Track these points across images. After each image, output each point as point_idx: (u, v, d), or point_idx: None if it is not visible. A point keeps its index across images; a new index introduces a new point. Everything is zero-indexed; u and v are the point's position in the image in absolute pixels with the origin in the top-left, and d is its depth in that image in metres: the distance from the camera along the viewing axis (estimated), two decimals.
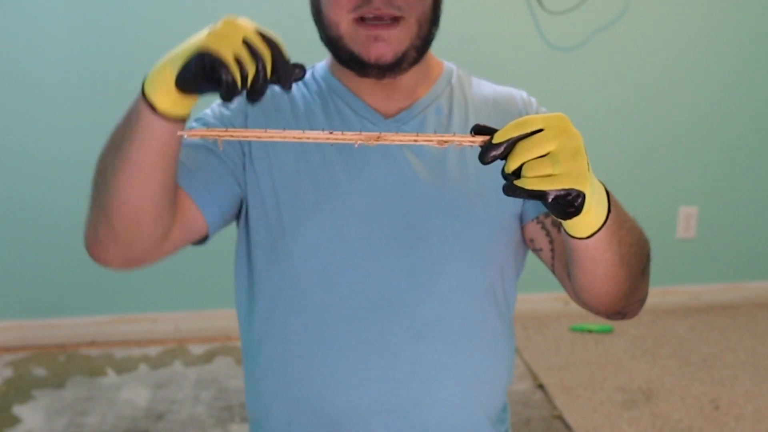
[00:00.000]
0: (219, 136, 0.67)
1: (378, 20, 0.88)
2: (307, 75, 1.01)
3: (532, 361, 2.48)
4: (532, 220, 0.96)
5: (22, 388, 2.31)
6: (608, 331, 2.71)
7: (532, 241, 0.97)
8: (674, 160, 2.81)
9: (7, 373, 2.42)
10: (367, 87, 0.97)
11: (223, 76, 0.67)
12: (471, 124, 0.95)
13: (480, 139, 0.67)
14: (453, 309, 0.95)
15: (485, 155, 0.65)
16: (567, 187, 0.64)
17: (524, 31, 2.61)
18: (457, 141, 0.67)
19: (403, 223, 0.93)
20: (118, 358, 2.50)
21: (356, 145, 0.68)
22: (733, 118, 2.81)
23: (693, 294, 2.95)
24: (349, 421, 0.94)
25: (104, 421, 2.14)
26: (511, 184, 0.65)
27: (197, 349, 2.54)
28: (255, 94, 0.69)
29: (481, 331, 0.98)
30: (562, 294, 2.85)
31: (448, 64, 1.05)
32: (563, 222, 0.71)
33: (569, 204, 0.66)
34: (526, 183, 0.64)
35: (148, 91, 0.75)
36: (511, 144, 0.64)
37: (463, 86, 1.02)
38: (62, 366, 2.47)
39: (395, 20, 0.89)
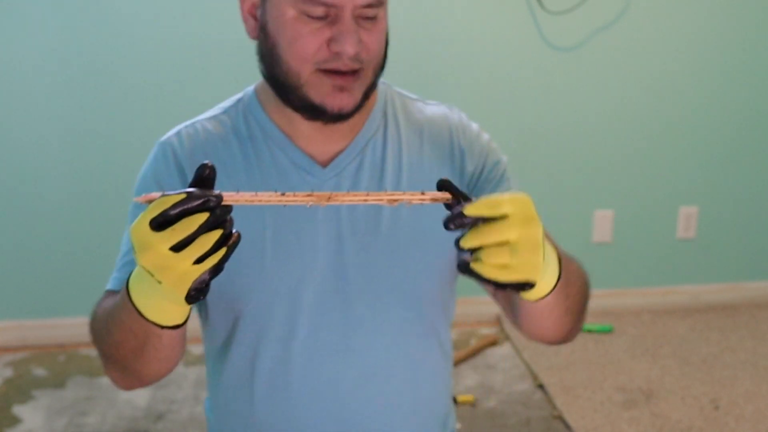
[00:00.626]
0: (173, 200, 0.63)
1: (343, 72, 0.87)
2: (238, 112, 0.99)
3: (532, 361, 2.47)
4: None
5: (22, 388, 2.31)
6: (608, 331, 2.71)
7: None
8: (674, 160, 2.81)
9: (7, 373, 2.42)
10: (305, 131, 0.95)
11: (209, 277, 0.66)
12: (405, 163, 0.97)
13: (429, 197, 0.67)
14: (399, 351, 0.98)
15: (450, 223, 0.65)
16: (521, 280, 0.67)
17: (524, 31, 2.60)
18: (407, 199, 0.67)
19: (345, 277, 0.94)
20: None
21: (308, 206, 0.68)
22: (733, 118, 2.81)
23: (693, 294, 2.95)
24: None
25: (104, 421, 2.14)
26: (467, 266, 0.66)
27: (197, 349, 2.54)
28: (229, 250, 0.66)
29: (425, 367, 1.02)
30: None
31: (382, 89, 1.01)
32: None
33: (519, 289, 0.68)
34: (482, 269, 0.65)
35: (153, 317, 0.72)
36: (475, 220, 0.65)
37: (396, 117, 1.01)
38: (62, 366, 2.47)
39: (355, 72, 0.88)
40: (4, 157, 2.48)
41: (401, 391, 1.00)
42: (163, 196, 0.62)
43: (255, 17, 0.91)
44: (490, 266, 0.65)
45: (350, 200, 0.67)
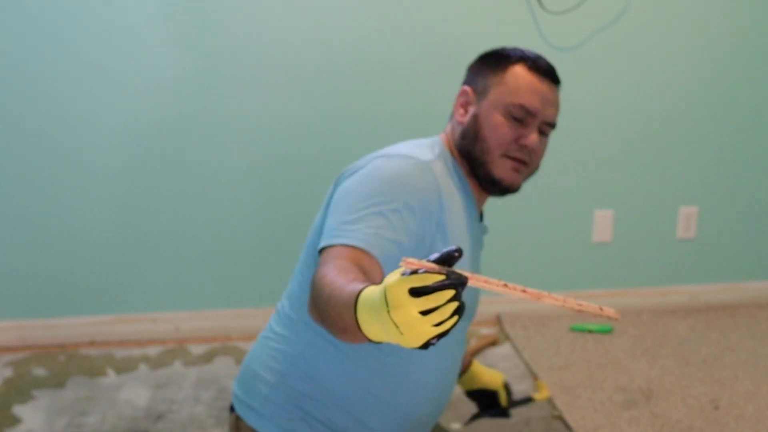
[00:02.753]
0: (432, 272, 0.73)
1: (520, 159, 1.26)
2: (446, 160, 1.28)
3: (532, 361, 2.47)
4: None
5: (22, 388, 2.31)
6: (608, 331, 2.71)
7: None
8: (674, 160, 2.81)
9: (7, 373, 2.42)
10: (477, 190, 1.32)
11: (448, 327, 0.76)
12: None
13: (606, 314, 0.80)
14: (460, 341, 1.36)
15: None
16: None
17: (524, 31, 2.60)
18: (585, 310, 0.79)
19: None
20: (118, 358, 2.50)
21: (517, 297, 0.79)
22: (733, 118, 2.81)
23: (693, 294, 2.95)
24: (425, 422, 1.32)
25: (104, 421, 2.14)
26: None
27: (197, 349, 2.54)
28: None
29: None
30: (562, 294, 2.85)
31: None
32: None
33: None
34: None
35: (370, 336, 0.81)
36: None
37: None
38: (62, 366, 2.46)
39: (526, 163, 1.27)
40: (4, 157, 2.48)
41: (462, 352, 1.38)
42: (425, 272, 0.72)
43: (465, 109, 1.31)
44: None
45: (552, 302, 0.77)
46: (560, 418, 2.16)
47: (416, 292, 0.71)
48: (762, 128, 2.85)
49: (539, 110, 1.25)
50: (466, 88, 1.33)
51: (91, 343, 2.61)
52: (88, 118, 2.48)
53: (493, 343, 2.62)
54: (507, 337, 2.67)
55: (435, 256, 0.73)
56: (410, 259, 0.73)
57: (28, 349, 2.59)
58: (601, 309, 0.77)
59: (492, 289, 0.75)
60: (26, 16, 2.36)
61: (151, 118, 2.48)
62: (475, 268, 1.33)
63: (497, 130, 1.24)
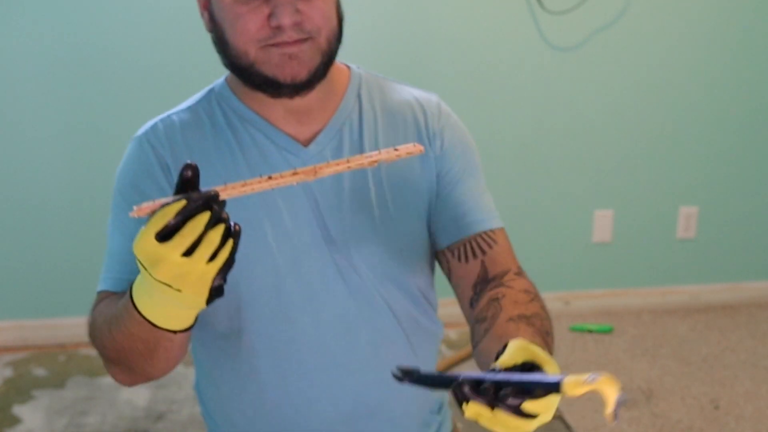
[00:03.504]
0: (168, 203, 0.64)
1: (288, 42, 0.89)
2: (211, 101, 1.00)
3: None
4: (439, 250, 1.01)
5: (22, 388, 2.31)
6: (608, 331, 2.71)
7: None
8: (674, 160, 2.81)
9: (7, 373, 2.42)
10: (279, 113, 0.96)
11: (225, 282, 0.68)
12: (381, 142, 1.00)
13: (403, 151, 0.69)
14: (398, 319, 1.01)
15: (513, 397, 0.61)
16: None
17: (524, 31, 2.60)
18: (384, 158, 0.69)
19: (336, 254, 0.96)
20: None
21: (295, 185, 0.69)
22: (732, 118, 2.81)
23: (693, 294, 2.95)
24: None
25: (104, 421, 2.14)
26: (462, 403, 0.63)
27: None
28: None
29: (422, 332, 1.05)
30: (562, 294, 2.86)
31: (355, 71, 1.04)
32: None
33: None
34: (473, 415, 0.62)
35: (166, 325, 0.73)
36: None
37: (372, 97, 1.03)
38: (62, 366, 2.46)
39: (305, 39, 0.89)
40: (4, 157, 2.48)
41: (407, 356, 1.02)
42: (162, 207, 0.62)
43: (208, 11, 0.93)
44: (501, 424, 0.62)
45: (335, 170, 0.68)
46: (560, 418, 2.16)
47: (164, 236, 0.62)
48: (762, 128, 2.85)
49: None
50: None
51: (92, 346, 2.61)
52: (89, 117, 2.48)
53: None
54: None
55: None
56: (143, 206, 0.64)
57: (28, 349, 2.58)
58: (396, 149, 0.69)
59: (259, 189, 0.66)
60: None
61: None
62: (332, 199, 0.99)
63: (236, 25, 0.88)
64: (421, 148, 0.70)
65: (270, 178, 0.66)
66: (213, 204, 0.63)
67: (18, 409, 2.19)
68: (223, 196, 0.64)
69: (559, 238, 2.82)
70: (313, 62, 0.90)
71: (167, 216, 0.62)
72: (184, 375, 2.39)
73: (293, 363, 0.98)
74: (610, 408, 0.60)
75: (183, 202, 0.62)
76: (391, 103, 1.03)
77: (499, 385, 0.61)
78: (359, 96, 1.02)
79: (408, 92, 1.05)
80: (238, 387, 1.01)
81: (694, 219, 2.88)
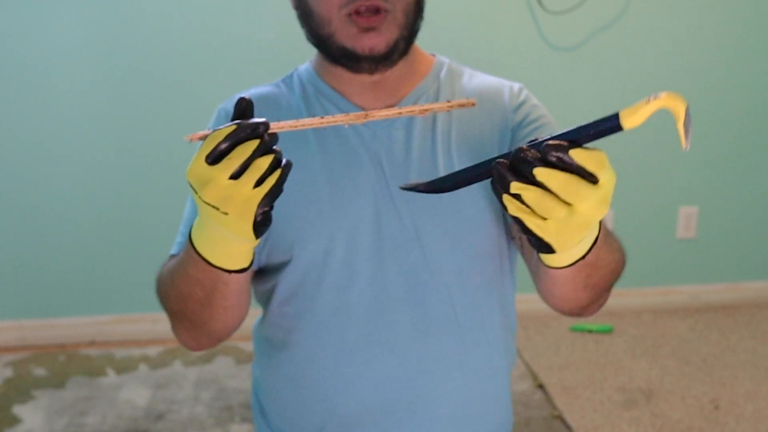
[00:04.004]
0: (224, 133, 0.67)
1: (368, 12, 0.90)
2: (293, 79, 1.03)
3: (532, 361, 2.47)
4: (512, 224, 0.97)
5: (22, 388, 2.31)
6: (608, 331, 2.71)
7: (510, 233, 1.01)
8: (674, 160, 2.81)
9: (7, 373, 2.42)
10: (355, 87, 0.97)
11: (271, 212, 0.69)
12: (455, 118, 0.98)
13: (455, 103, 0.69)
14: (454, 305, 0.96)
15: (549, 154, 0.59)
16: (547, 242, 0.62)
17: (524, 31, 2.61)
18: (436, 108, 0.69)
19: (399, 225, 0.94)
20: (118, 358, 2.50)
21: (347, 126, 0.71)
22: (732, 118, 2.81)
23: (693, 294, 2.95)
24: (361, 422, 0.97)
25: (104, 421, 2.14)
26: (503, 195, 0.61)
27: (196, 351, 2.54)
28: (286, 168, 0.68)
29: (483, 323, 0.99)
30: None
31: (441, 59, 1.06)
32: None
33: (538, 246, 0.63)
34: (519, 209, 0.60)
35: (220, 263, 0.74)
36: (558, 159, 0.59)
37: (452, 81, 1.02)
38: (62, 366, 2.46)
39: (384, 12, 0.90)
40: (5, 157, 2.48)
41: (458, 347, 0.97)
42: (212, 131, 0.65)
43: None
44: (530, 212, 0.60)
45: (386, 115, 0.69)
46: (560, 418, 2.16)
47: (213, 159, 0.64)
48: (762, 128, 2.85)
49: None
50: None
51: (91, 343, 2.61)
52: (87, 115, 2.48)
53: None
54: None
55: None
56: (196, 133, 0.67)
57: (28, 349, 2.59)
58: (449, 102, 0.68)
59: (310, 125, 0.67)
60: None
61: (148, 116, 2.48)
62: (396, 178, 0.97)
63: None
64: (473, 101, 0.69)
65: (322, 118, 0.68)
66: (263, 134, 0.64)
67: (18, 409, 2.19)
68: (273, 129, 0.65)
69: None
70: (392, 35, 0.91)
71: (217, 139, 0.64)
72: (184, 375, 2.39)
73: (337, 335, 0.96)
74: (680, 122, 0.57)
75: (233, 127, 0.64)
76: (473, 86, 1.03)
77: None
78: (439, 77, 1.02)
79: (493, 78, 1.06)
80: (285, 355, 1.00)
81: (694, 219, 2.88)
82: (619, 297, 2.90)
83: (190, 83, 2.48)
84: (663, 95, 0.55)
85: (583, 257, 0.70)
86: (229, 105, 1.00)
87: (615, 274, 0.86)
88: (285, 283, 0.97)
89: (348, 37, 0.90)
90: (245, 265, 0.75)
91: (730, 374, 2.41)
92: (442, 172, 0.94)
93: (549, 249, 0.63)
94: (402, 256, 0.94)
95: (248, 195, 0.65)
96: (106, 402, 2.24)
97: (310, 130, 0.96)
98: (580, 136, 0.58)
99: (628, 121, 0.59)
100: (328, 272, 0.94)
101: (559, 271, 0.73)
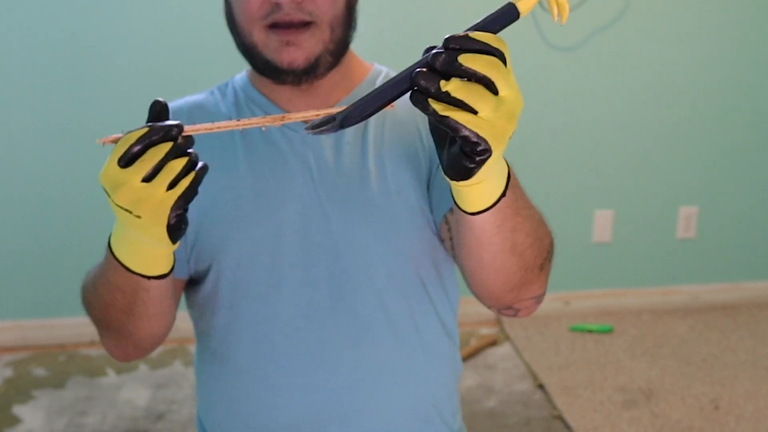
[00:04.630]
0: (136, 136, 0.65)
1: (289, 26, 0.88)
2: (228, 87, 1.02)
3: (532, 361, 2.47)
4: (440, 222, 0.94)
5: (22, 388, 2.31)
6: (608, 331, 2.71)
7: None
8: (674, 160, 2.81)
9: (7, 373, 2.42)
10: (285, 95, 0.96)
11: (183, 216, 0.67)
12: (387, 130, 0.95)
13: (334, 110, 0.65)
14: (388, 310, 0.94)
15: (454, 42, 0.58)
16: (485, 138, 0.58)
17: (524, 31, 2.60)
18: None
19: (328, 230, 0.92)
20: None
21: (263, 129, 0.69)
22: (732, 118, 2.81)
23: (693, 294, 2.95)
24: None
25: (104, 421, 2.14)
26: (425, 100, 0.58)
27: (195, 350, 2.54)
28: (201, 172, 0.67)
29: (419, 329, 0.96)
30: (562, 294, 2.86)
31: (379, 67, 1.03)
32: (453, 186, 0.66)
33: (471, 157, 0.60)
34: (445, 108, 0.57)
35: (139, 269, 0.73)
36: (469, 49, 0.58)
37: None
38: (62, 366, 2.46)
39: (306, 25, 0.88)
40: (4, 157, 2.48)
41: (392, 355, 0.94)
42: (125, 134, 0.64)
43: None
44: (459, 109, 0.57)
45: (303, 117, 0.67)
46: (560, 418, 2.16)
47: (126, 162, 0.63)
48: (762, 128, 2.85)
49: None
50: None
51: (91, 343, 2.61)
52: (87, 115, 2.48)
53: (493, 343, 2.62)
54: (507, 337, 2.67)
55: None
56: (109, 136, 0.66)
57: (28, 349, 2.59)
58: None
59: (226, 128, 0.66)
60: None
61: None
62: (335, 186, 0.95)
63: (241, 2, 0.90)
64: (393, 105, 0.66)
65: (239, 120, 0.67)
66: (177, 136, 0.63)
67: (18, 409, 2.19)
68: (187, 131, 0.65)
69: (559, 238, 2.79)
70: (313, 49, 0.89)
71: (129, 141, 0.63)
72: (184, 375, 2.39)
73: (266, 345, 0.93)
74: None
75: (145, 129, 0.63)
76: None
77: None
78: (375, 84, 0.99)
79: None
80: (216, 368, 0.98)
81: (694, 219, 2.88)
82: (619, 297, 2.90)
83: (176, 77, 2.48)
84: None
85: (504, 194, 0.68)
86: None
87: (541, 241, 0.82)
88: (211, 291, 0.95)
89: (269, 49, 0.90)
90: (165, 270, 0.74)
91: (730, 374, 2.41)
92: (373, 176, 0.92)
93: (485, 150, 0.59)
94: (331, 262, 0.92)
95: (161, 197, 0.64)
96: (106, 402, 2.24)
97: (238, 135, 0.95)
98: (485, 29, 0.60)
99: (523, 5, 0.62)
100: (253, 279, 0.93)
101: (485, 221, 0.71)
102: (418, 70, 0.59)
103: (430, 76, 0.59)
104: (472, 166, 0.60)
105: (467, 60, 0.58)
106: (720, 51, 2.74)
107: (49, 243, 2.56)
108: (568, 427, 2.11)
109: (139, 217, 0.65)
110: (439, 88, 0.58)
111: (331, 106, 0.93)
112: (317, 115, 0.65)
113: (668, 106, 2.76)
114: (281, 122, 0.67)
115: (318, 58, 0.90)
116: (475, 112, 0.58)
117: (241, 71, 1.05)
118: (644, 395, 2.28)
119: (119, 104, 2.48)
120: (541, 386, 2.33)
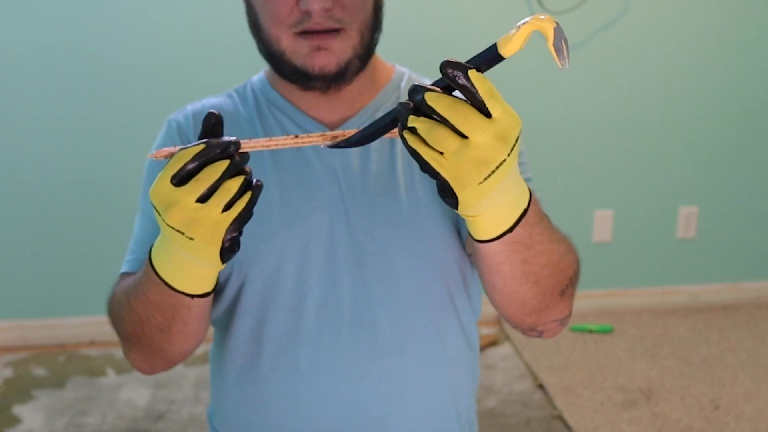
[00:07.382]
0: (192, 153, 0.63)
1: (320, 31, 0.87)
2: (246, 89, 1.00)
3: (532, 361, 2.48)
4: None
5: (22, 388, 2.31)
6: (608, 331, 2.71)
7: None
8: (674, 160, 2.81)
9: (7, 373, 2.42)
10: (309, 99, 0.94)
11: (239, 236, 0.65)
12: None
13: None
14: (413, 323, 0.93)
15: (448, 68, 0.59)
16: (444, 176, 0.59)
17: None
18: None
19: (354, 241, 0.90)
20: (118, 358, 2.50)
21: (322, 146, 0.66)
22: (732, 118, 2.81)
23: (693, 294, 2.95)
24: None
25: (104, 421, 2.14)
26: (402, 131, 0.59)
27: (197, 349, 2.54)
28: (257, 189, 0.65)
29: (443, 342, 0.95)
30: None
31: (401, 69, 1.03)
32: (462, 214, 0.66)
33: (444, 194, 0.61)
34: (415, 142, 0.59)
35: (182, 287, 0.70)
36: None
37: None
38: (62, 366, 2.46)
39: (336, 31, 0.87)
40: (4, 157, 2.48)
41: (416, 367, 0.93)
42: (180, 150, 0.61)
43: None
44: (426, 145, 0.58)
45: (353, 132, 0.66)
46: (560, 418, 2.16)
47: (180, 180, 0.60)
48: (762, 128, 2.85)
49: None
50: None
51: (91, 343, 2.61)
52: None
53: (493, 343, 2.62)
54: (507, 337, 2.67)
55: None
56: (162, 150, 0.62)
57: (28, 349, 2.59)
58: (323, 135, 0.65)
59: (284, 145, 0.64)
60: None
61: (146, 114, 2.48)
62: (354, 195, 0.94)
63: (269, 9, 0.87)
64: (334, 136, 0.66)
65: (297, 137, 0.64)
66: (234, 153, 0.61)
67: (18, 409, 2.19)
68: (245, 148, 0.62)
69: None
70: (344, 55, 0.88)
71: (184, 159, 0.60)
72: (184, 375, 2.39)
73: (290, 357, 0.92)
74: (550, 42, 0.58)
75: (201, 146, 0.60)
76: None
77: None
78: (399, 89, 0.99)
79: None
80: (236, 384, 0.97)
81: (694, 219, 2.88)
82: (619, 297, 2.90)
83: (182, 81, 2.48)
84: (530, 19, 0.57)
85: (510, 230, 0.66)
86: (180, 116, 0.97)
87: (561, 272, 0.80)
88: (236, 300, 0.93)
89: (299, 55, 0.87)
90: (209, 289, 0.72)
91: (730, 374, 2.41)
92: (402, 186, 0.92)
93: (450, 191, 0.60)
94: (356, 274, 0.90)
95: (216, 219, 0.61)
96: (106, 402, 2.24)
97: (261, 132, 0.94)
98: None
99: (506, 49, 0.60)
100: (279, 292, 0.91)
101: (491, 249, 0.70)
102: (401, 102, 0.60)
103: (405, 110, 0.59)
104: (448, 200, 0.61)
105: (431, 98, 0.58)
106: (720, 51, 2.74)
107: (49, 243, 2.56)
108: (568, 427, 2.11)
109: (191, 239, 0.62)
110: (406, 122, 0.58)
111: (357, 111, 0.95)
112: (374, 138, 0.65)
113: (668, 106, 2.76)
114: (343, 138, 0.64)
115: (348, 63, 0.89)
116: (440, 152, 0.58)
117: (249, 71, 1.03)
118: (644, 395, 2.28)
119: (121, 104, 2.48)
120: (541, 386, 2.33)
